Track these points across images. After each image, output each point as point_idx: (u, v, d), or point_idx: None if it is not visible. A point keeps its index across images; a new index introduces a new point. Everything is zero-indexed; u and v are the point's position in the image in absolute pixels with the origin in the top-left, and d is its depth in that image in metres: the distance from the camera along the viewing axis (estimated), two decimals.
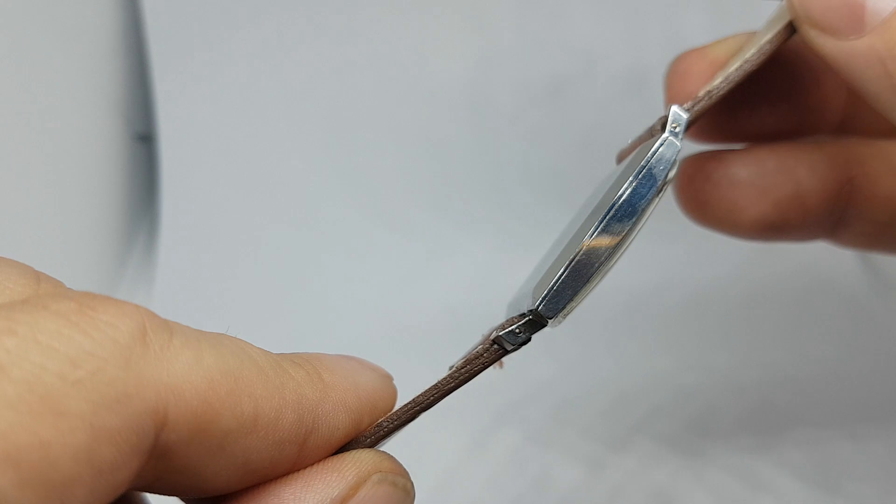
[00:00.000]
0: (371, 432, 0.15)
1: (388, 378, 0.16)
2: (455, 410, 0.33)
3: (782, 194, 0.20)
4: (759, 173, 0.20)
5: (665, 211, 0.39)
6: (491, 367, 0.16)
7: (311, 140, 0.41)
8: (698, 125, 0.21)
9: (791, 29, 0.18)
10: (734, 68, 0.18)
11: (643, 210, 0.15)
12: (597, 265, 0.14)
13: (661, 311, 0.37)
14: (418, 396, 0.15)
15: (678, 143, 0.15)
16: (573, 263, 0.14)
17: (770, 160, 0.20)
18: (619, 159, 0.19)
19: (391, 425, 0.15)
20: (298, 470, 0.14)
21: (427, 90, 0.40)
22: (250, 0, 0.40)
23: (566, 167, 0.40)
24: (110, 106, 0.41)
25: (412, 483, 0.15)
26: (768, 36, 0.18)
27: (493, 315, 0.17)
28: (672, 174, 0.15)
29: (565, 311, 0.14)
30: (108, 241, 0.40)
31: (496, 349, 0.15)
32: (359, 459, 0.14)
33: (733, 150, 0.21)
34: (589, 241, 0.14)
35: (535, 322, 0.15)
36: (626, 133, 0.19)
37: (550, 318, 0.14)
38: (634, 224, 0.15)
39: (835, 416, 0.32)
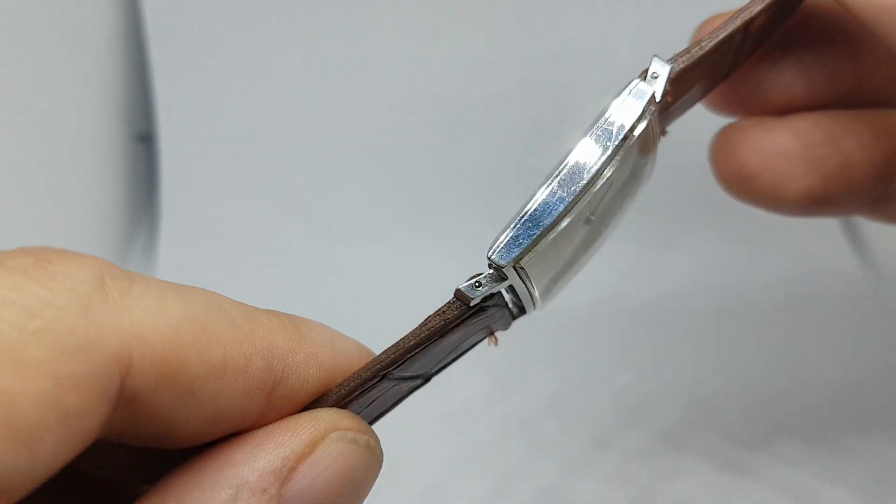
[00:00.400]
0: (333, 391, 0.14)
1: (368, 350, 0.16)
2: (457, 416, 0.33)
3: (831, 166, 0.19)
4: (808, 144, 0.19)
5: (683, 219, 0.39)
6: (485, 342, 0.16)
7: (310, 140, 0.41)
8: (728, 96, 0.21)
9: None
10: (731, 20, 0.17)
11: (600, 166, 0.14)
12: (549, 218, 0.14)
13: (681, 318, 0.37)
14: (380, 354, 0.14)
15: (650, 91, 0.15)
16: (525, 214, 0.14)
17: (817, 130, 0.19)
18: None
19: (353, 383, 0.14)
20: (265, 424, 0.14)
21: (420, 92, 0.40)
22: (249, 1, 0.40)
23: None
24: (110, 106, 0.41)
25: (377, 441, 0.14)
26: None
27: None
28: (641, 126, 0.15)
29: (517, 259, 0.14)
30: (108, 241, 0.40)
31: (458, 304, 0.14)
32: (315, 418, 0.14)
33: (778, 119, 0.20)
34: (541, 194, 0.14)
35: (495, 275, 0.14)
36: None
37: (502, 267, 0.14)
38: (591, 181, 0.14)
39: (880, 423, 0.32)
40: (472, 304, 0.14)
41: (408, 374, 0.15)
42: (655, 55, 0.16)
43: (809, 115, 0.20)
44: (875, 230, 0.39)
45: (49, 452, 0.11)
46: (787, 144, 0.19)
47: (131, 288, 0.12)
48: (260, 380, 0.13)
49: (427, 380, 0.16)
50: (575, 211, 0.14)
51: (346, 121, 0.41)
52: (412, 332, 0.14)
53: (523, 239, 0.14)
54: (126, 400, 0.12)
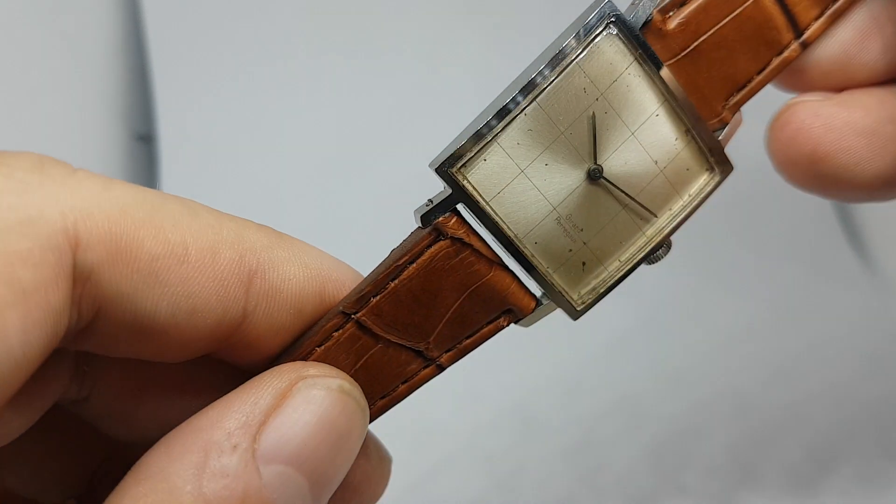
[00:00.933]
0: (311, 332, 0.14)
1: (360, 275, 0.15)
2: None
3: None
4: (881, 120, 0.17)
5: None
6: (508, 327, 0.15)
7: (310, 140, 0.41)
8: (805, 68, 0.18)
9: None
10: None
11: (542, 82, 0.14)
12: (490, 134, 0.14)
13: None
14: (353, 289, 0.14)
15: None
16: (469, 128, 0.14)
17: (886, 106, 0.18)
18: None
19: (330, 321, 0.14)
20: (253, 327, 0.14)
21: (421, 93, 0.40)
22: (249, 3, 0.40)
23: None
24: (110, 106, 0.41)
25: (354, 384, 0.14)
26: None
27: None
28: (600, 35, 0.14)
29: (451, 163, 0.14)
30: None
31: (419, 228, 0.14)
32: (279, 371, 0.13)
33: (846, 95, 0.18)
34: (486, 115, 0.14)
35: (445, 199, 0.14)
36: None
37: (447, 170, 0.14)
38: (534, 95, 0.14)
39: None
40: (424, 220, 0.14)
41: (398, 340, 0.15)
42: None
43: (875, 91, 0.18)
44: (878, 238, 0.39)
45: (17, 331, 0.11)
46: (863, 121, 0.17)
47: (75, 173, 0.12)
48: (231, 270, 0.13)
49: (440, 368, 0.15)
50: (525, 117, 0.14)
51: (346, 121, 0.41)
52: (381, 263, 0.14)
53: (457, 142, 0.14)
54: (83, 276, 0.12)
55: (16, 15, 0.33)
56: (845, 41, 0.17)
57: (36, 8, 0.35)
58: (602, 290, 0.15)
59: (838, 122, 0.17)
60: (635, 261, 0.15)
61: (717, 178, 0.15)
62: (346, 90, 0.41)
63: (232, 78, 0.41)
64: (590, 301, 0.15)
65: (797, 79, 0.18)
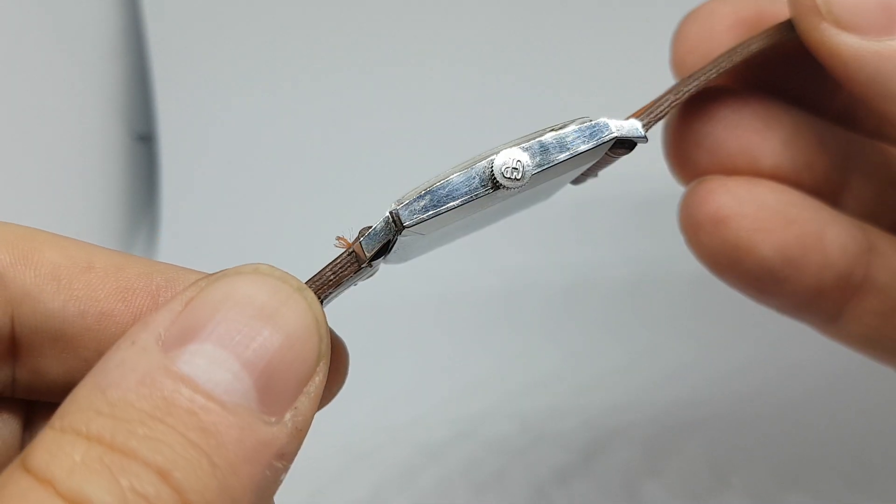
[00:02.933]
0: None
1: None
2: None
3: (807, 228, 0.18)
4: (785, 201, 0.18)
5: None
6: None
7: (310, 139, 0.41)
8: (703, 155, 0.19)
9: (787, 29, 0.17)
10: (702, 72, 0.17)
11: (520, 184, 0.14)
12: (453, 201, 0.14)
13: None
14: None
15: (606, 136, 0.15)
16: (433, 185, 0.14)
17: (792, 192, 0.18)
18: None
19: None
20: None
21: (424, 95, 0.40)
22: (250, 2, 0.40)
23: None
24: (110, 106, 0.41)
25: (299, 283, 0.13)
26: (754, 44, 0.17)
27: None
28: (576, 163, 0.15)
29: (417, 220, 0.14)
30: (108, 241, 0.40)
31: (350, 253, 0.14)
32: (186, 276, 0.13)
33: (752, 177, 0.19)
34: (453, 173, 0.14)
35: (392, 228, 0.14)
36: None
37: (404, 221, 0.14)
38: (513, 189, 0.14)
39: None
40: (368, 255, 0.14)
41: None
42: (636, 120, 0.16)
43: (775, 182, 0.19)
44: None
45: None
46: (766, 196, 0.18)
47: None
48: (137, 281, 0.14)
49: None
50: (478, 206, 0.14)
51: (347, 121, 0.41)
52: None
53: (430, 209, 0.14)
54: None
55: (15, 14, 0.33)
56: (748, 135, 0.18)
57: (35, 7, 0.35)
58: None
59: (741, 191, 0.18)
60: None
61: None
62: (348, 90, 0.41)
63: (233, 78, 0.41)
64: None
65: (696, 165, 0.19)
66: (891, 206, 0.20)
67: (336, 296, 0.15)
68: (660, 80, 0.39)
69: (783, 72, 0.20)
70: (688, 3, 0.20)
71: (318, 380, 0.12)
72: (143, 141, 0.43)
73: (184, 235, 0.40)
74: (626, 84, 0.40)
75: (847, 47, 0.15)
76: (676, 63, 0.19)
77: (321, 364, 0.12)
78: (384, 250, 0.14)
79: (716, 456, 0.31)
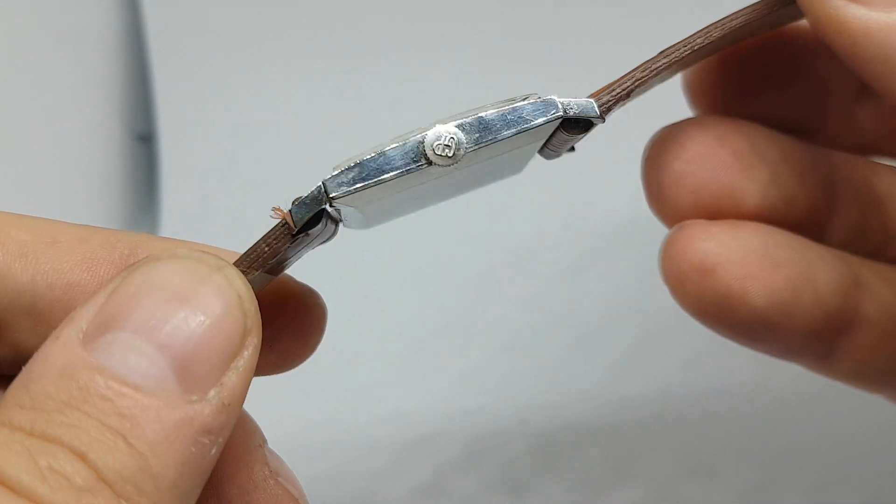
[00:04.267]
0: None
1: None
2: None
3: (796, 271, 0.17)
4: (771, 244, 0.17)
5: None
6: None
7: (312, 141, 0.41)
8: (707, 98, 0.19)
9: (778, 3, 0.16)
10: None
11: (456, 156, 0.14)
12: (383, 174, 0.14)
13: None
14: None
15: (552, 115, 0.14)
16: (364, 157, 0.14)
17: (778, 234, 0.18)
18: None
19: None
20: None
21: (425, 93, 0.40)
22: (251, 2, 0.40)
23: None
24: (110, 106, 0.41)
25: (222, 261, 0.13)
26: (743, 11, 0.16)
27: None
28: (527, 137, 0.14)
29: (344, 192, 0.14)
30: None
31: (285, 224, 0.14)
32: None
33: (734, 221, 0.18)
34: (388, 146, 0.14)
35: (319, 191, 0.14)
36: None
37: (331, 193, 0.14)
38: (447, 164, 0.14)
39: None
40: (297, 225, 0.14)
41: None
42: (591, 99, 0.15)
43: (759, 223, 0.18)
44: None
45: None
46: (752, 240, 0.17)
47: None
48: (101, 251, 0.14)
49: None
50: (419, 178, 0.14)
51: (347, 121, 0.41)
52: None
53: (358, 181, 0.14)
54: None
55: (15, 14, 0.33)
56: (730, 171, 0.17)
57: (35, 7, 0.35)
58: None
59: (726, 236, 0.17)
60: None
61: None
62: (350, 90, 0.41)
63: (233, 78, 0.41)
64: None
65: (676, 207, 0.18)
66: (873, 230, 0.19)
67: (291, 263, 0.15)
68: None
69: (765, 89, 0.19)
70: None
71: (248, 354, 0.12)
72: (143, 141, 0.43)
73: (184, 235, 0.40)
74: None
75: (855, 20, 0.15)
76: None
77: (249, 338, 0.12)
78: (316, 220, 0.14)
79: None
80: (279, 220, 0.14)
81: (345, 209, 0.14)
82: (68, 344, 0.11)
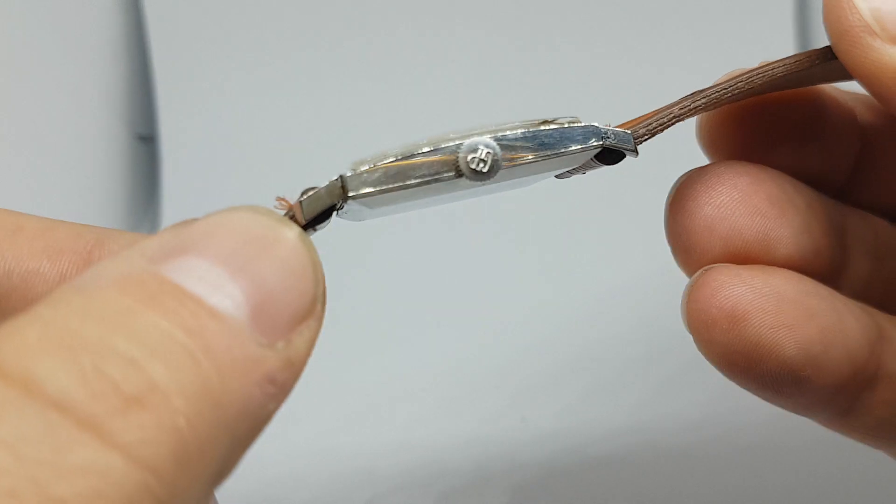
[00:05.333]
0: None
1: None
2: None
3: (827, 320, 0.16)
4: (802, 291, 0.16)
5: None
6: None
7: (312, 141, 0.41)
8: (725, 145, 0.18)
9: (820, 57, 0.15)
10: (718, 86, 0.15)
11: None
12: (409, 181, 0.13)
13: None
14: None
15: (590, 149, 0.14)
16: (401, 155, 0.13)
17: (807, 281, 0.17)
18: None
19: None
20: None
21: (427, 91, 0.40)
22: (252, 2, 0.40)
23: None
24: (111, 107, 0.41)
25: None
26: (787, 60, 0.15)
27: None
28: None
29: (365, 193, 0.13)
30: None
31: (291, 216, 0.13)
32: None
33: (763, 266, 0.17)
34: (417, 150, 0.13)
35: (336, 187, 0.13)
36: None
37: (350, 192, 0.13)
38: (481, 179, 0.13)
39: None
40: (305, 219, 0.13)
41: None
42: (633, 133, 0.14)
43: (787, 270, 0.17)
44: None
45: None
46: (783, 287, 0.16)
47: None
48: (66, 241, 0.14)
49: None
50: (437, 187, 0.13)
51: (348, 122, 0.41)
52: None
53: (381, 184, 0.13)
54: None
55: (16, 15, 0.33)
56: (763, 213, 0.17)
57: (37, 8, 0.35)
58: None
59: (758, 282, 0.16)
60: None
61: None
62: (351, 91, 0.41)
63: (234, 78, 0.41)
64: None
65: (705, 252, 0.17)
66: (883, 281, 0.19)
67: None
68: (664, 88, 0.39)
69: (791, 142, 0.18)
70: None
71: (314, 324, 0.11)
72: (144, 141, 0.43)
73: None
74: (630, 91, 0.40)
75: None
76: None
77: (318, 307, 0.12)
78: (327, 215, 0.13)
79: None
80: (285, 211, 0.13)
81: (350, 206, 0.13)
82: (132, 259, 0.10)
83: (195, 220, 0.11)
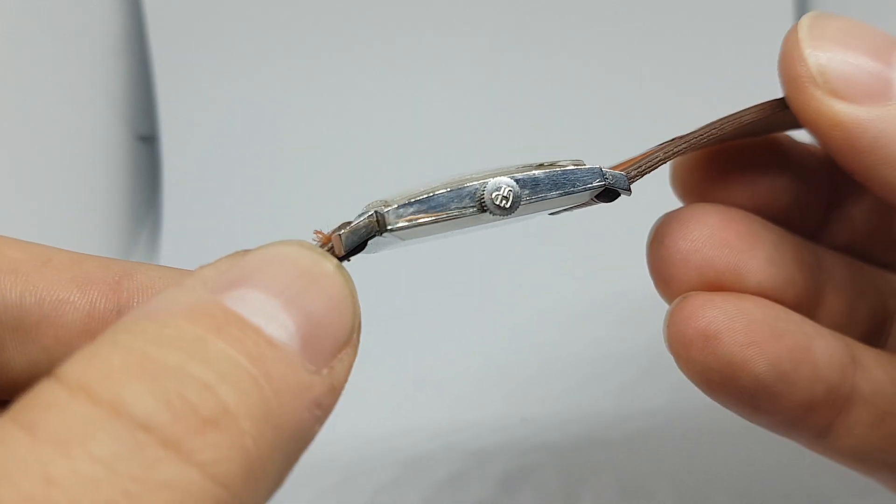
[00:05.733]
0: None
1: None
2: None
3: (795, 341, 0.18)
4: (771, 315, 0.18)
5: None
6: None
7: (313, 140, 0.41)
8: (696, 189, 0.20)
9: (780, 106, 0.17)
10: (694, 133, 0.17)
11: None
12: (438, 214, 0.15)
13: None
14: None
15: (594, 187, 0.16)
16: (423, 194, 0.15)
17: (778, 308, 0.18)
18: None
19: None
20: None
21: (428, 90, 0.40)
22: (252, 1, 0.40)
23: None
24: (112, 107, 0.41)
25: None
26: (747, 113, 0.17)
27: None
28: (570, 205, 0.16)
29: (402, 227, 0.15)
30: (110, 241, 0.40)
31: (330, 248, 0.15)
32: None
33: (734, 293, 0.19)
34: (444, 188, 0.15)
35: (373, 222, 0.15)
36: None
37: (389, 225, 0.14)
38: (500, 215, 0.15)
39: None
40: (345, 250, 0.15)
41: None
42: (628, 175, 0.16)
43: (758, 297, 0.19)
44: None
45: None
46: (754, 312, 0.18)
47: None
48: (94, 271, 0.14)
49: None
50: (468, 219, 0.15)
51: (349, 122, 0.41)
52: None
53: (416, 217, 0.15)
54: None
55: (17, 15, 0.33)
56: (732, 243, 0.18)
57: (37, 8, 0.35)
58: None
59: (729, 306, 0.17)
60: None
61: None
62: (352, 92, 0.41)
63: (235, 78, 0.41)
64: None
65: (682, 282, 0.18)
66: (860, 318, 0.20)
67: None
68: (665, 89, 0.39)
69: (756, 185, 0.20)
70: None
71: (351, 351, 0.13)
72: (145, 141, 0.43)
73: (186, 235, 0.40)
74: (632, 98, 0.40)
75: (847, 114, 0.16)
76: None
77: (355, 336, 0.13)
78: (361, 247, 0.15)
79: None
80: (321, 244, 0.15)
81: (379, 239, 0.15)
82: (196, 289, 0.11)
83: (248, 251, 0.13)
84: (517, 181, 0.15)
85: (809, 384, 0.18)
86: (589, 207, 0.17)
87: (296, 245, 0.13)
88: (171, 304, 0.11)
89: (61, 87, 0.37)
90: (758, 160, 0.20)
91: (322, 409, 0.11)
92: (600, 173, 0.16)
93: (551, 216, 0.18)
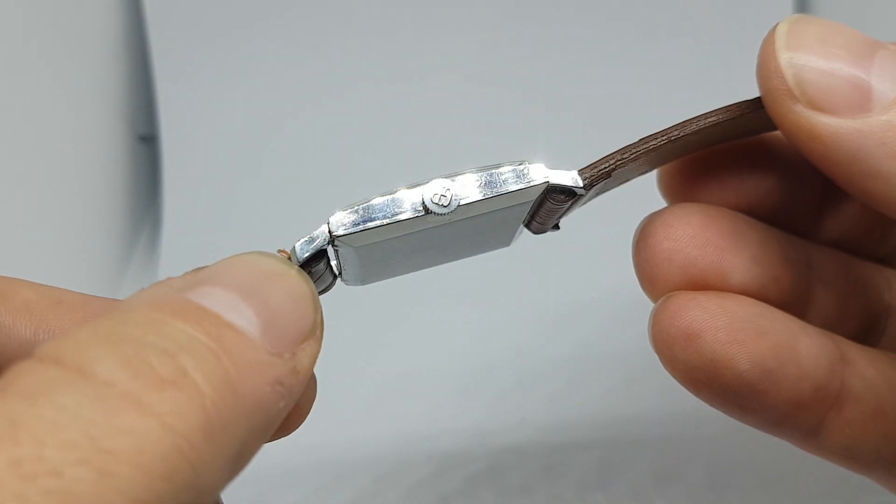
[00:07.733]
0: None
1: None
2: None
3: (779, 339, 0.18)
4: (754, 313, 0.18)
5: None
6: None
7: (313, 141, 0.41)
8: (679, 180, 0.20)
9: (752, 107, 0.17)
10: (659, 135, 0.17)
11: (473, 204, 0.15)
12: (384, 219, 0.15)
13: None
14: None
15: (558, 181, 0.16)
16: (367, 202, 0.15)
17: (762, 307, 0.18)
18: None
19: None
20: None
21: (428, 90, 0.40)
22: (252, 1, 0.40)
23: None
24: (112, 107, 0.41)
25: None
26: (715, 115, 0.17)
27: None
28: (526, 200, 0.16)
29: (346, 232, 0.15)
30: (111, 241, 0.40)
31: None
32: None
33: (717, 292, 0.18)
34: (387, 195, 0.15)
35: (323, 232, 0.15)
36: None
37: (336, 236, 0.15)
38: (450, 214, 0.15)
39: None
40: (298, 261, 0.15)
41: None
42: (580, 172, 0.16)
43: (740, 295, 0.18)
44: None
45: None
46: (737, 310, 0.18)
47: None
48: (102, 312, 0.15)
49: None
50: (419, 227, 0.15)
51: (349, 122, 0.41)
52: None
53: (359, 223, 0.15)
54: None
55: (16, 14, 0.33)
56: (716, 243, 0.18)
57: (38, 8, 0.35)
58: None
59: (712, 305, 0.17)
60: None
61: None
62: (352, 92, 0.41)
63: (236, 78, 0.41)
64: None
65: (666, 282, 0.18)
66: (851, 315, 0.20)
67: None
68: (663, 86, 0.39)
69: (745, 185, 0.20)
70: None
71: (315, 344, 0.13)
72: (145, 141, 0.43)
73: (186, 235, 0.40)
74: (625, 89, 0.40)
75: (825, 127, 0.15)
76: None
77: (318, 332, 0.13)
78: (317, 259, 0.15)
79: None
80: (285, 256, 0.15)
81: (344, 254, 0.16)
82: (160, 289, 0.12)
83: (212, 265, 0.13)
84: (454, 181, 0.15)
85: (795, 382, 0.17)
86: (576, 211, 0.17)
87: (256, 253, 0.14)
88: (136, 299, 0.12)
89: (61, 87, 0.37)
90: (745, 159, 0.20)
91: (285, 387, 0.12)
92: (540, 170, 0.16)
93: (535, 234, 0.18)
